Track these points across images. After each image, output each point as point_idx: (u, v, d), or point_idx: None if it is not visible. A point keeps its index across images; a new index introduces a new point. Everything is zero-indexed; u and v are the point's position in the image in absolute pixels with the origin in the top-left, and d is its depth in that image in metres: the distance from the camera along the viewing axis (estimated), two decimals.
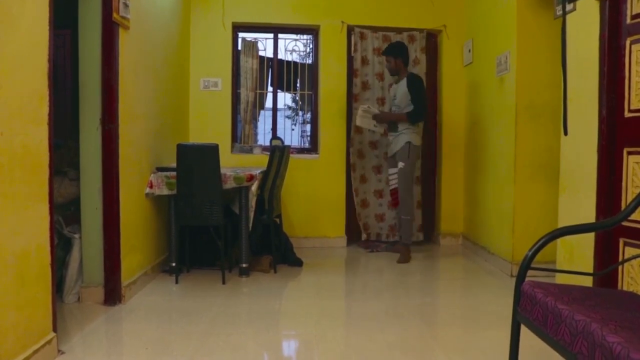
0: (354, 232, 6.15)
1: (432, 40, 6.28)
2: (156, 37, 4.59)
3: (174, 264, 4.48)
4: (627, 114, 2.92)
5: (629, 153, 2.90)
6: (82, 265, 3.73)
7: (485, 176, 5.45)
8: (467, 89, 6.07)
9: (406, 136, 5.21)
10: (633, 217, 2.62)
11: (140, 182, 4.19)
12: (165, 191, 4.38)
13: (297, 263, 5.07)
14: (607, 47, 3.03)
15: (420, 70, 6.07)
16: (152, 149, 4.48)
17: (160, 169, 4.47)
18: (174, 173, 4.32)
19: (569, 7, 3.43)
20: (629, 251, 2.83)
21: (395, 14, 6.08)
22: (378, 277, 4.54)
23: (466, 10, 6.02)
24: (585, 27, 3.24)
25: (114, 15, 3.56)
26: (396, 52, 5.32)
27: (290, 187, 5.87)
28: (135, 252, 4.04)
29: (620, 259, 2.89)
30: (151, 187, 4.34)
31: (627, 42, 2.91)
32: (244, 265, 4.60)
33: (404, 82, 5.22)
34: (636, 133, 2.86)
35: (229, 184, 4.40)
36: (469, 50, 5.89)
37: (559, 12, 3.53)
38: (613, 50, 3.00)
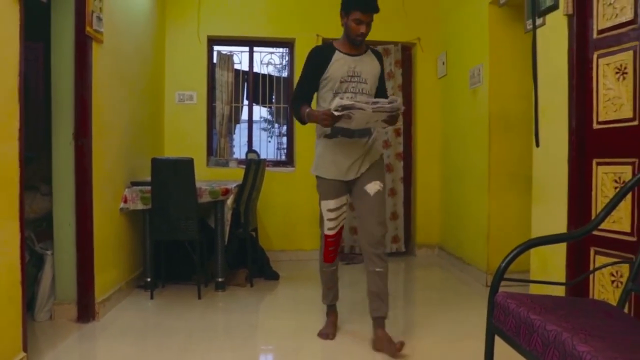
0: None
1: (406, 53, 6.34)
2: (130, 51, 4.56)
3: (149, 279, 4.43)
4: (595, 126, 2.98)
5: (598, 164, 2.95)
6: (55, 282, 3.67)
7: (460, 187, 5.50)
8: (441, 101, 6.14)
9: (379, 144, 3.70)
10: (603, 226, 2.66)
11: (114, 196, 4.15)
12: (140, 206, 4.34)
13: (274, 276, 5.05)
14: (575, 61, 3.09)
15: (395, 83, 6.12)
16: (126, 163, 4.44)
17: (134, 184, 4.43)
18: (149, 187, 4.29)
19: (539, 21, 3.49)
20: (600, 260, 2.88)
21: None
22: (354, 290, 4.53)
23: (440, 24, 6.09)
24: (554, 41, 3.30)
25: (87, 28, 3.53)
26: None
27: (266, 201, 5.85)
28: (109, 268, 3.98)
29: (591, 267, 2.94)
30: (126, 201, 4.30)
31: (595, 56, 2.98)
32: (220, 279, 4.56)
33: (372, 58, 3.30)
34: (605, 144, 2.92)
35: (205, 198, 4.38)
36: (443, 63, 5.96)
37: (530, 27, 3.60)
38: (581, 63, 3.07)
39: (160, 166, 4.19)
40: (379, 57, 3.34)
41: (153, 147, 5.37)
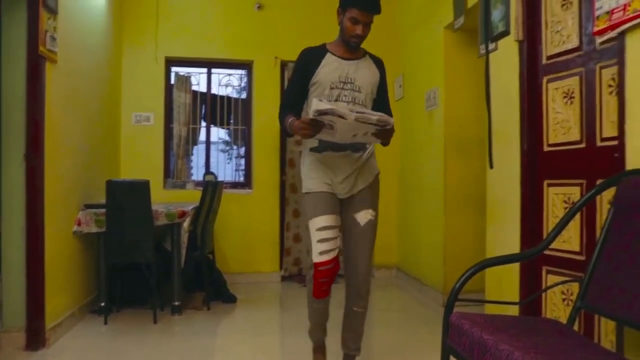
0: (291, 267, 6.12)
1: None
2: (86, 71, 4.50)
3: (103, 304, 4.32)
4: (546, 148, 3.07)
5: (549, 185, 3.03)
6: (2, 308, 3.54)
7: (417, 208, 5.56)
8: (399, 122, 6.20)
9: (374, 161, 2.97)
10: (554, 245, 2.72)
11: (67, 219, 4.05)
12: (94, 229, 4.25)
13: (231, 299, 4.99)
14: (526, 85, 3.19)
15: None
16: (80, 185, 4.35)
17: (89, 206, 4.34)
18: (104, 210, 4.21)
19: (491, 46, 3.59)
20: (551, 279, 2.94)
21: None
22: None
23: (397, 47, 6.19)
24: (506, 65, 3.40)
25: (40, 48, 3.47)
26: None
27: (224, 223, 5.80)
28: (61, 293, 3.87)
29: (544, 286, 3.00)
30: (79, 224, 4.20)
31: (544, 81, 3.08)
32: (176, 303, 4.49)
33: (370, 64, 2.90)
34: (555, 166, 3.00)
35: (161, 221, 4.32)
36: (400, 86, 6.06)
37: (483, 51, 3.70)
38: (532, 88, 3.17)
39: (115, 188, 4.13)
40: (380, 64, 2.93)
41: (109, 169, 5.28)
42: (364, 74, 2.80)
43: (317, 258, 2.64)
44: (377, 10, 2.67)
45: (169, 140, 6.07)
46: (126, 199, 4.13)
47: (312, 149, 2.82)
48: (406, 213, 5.96)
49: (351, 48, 2.78)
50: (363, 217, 2.79)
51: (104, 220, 4.21)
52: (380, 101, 2.92)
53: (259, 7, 6.05)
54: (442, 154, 4.81)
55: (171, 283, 4.52)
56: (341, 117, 2.36)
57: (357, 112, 2.39)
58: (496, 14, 3.50)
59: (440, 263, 4.84)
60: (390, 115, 2.76)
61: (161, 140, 5.94)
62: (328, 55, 2.80)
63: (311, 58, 2.80)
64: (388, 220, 6.26)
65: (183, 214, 4.37)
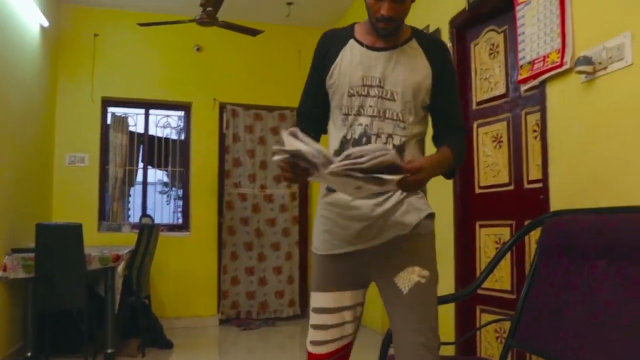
0: (228, 310, 6.01)
1: None
2: (16, 110, 4.37)
3: (29, 354, 4.11)
4: (477, 190, 3.18)
5: (481, 226, 3.14)
6: None
7: None
8: None
9: (420, 199, 1.88)
10: (486, 285, 2.80)
11: None
12: (21, 274, 4.07)
13: (167, 345, 4.85)
14: None
15: None
16: (7, 228, 4.17)
17: (16, 250, 4.16)
18: (32, 254, 4.04)
19: None
20: (485, 317, 3.02)
21: (266, 92, 6.24)
22: (250, 356, 4.45)
23: None
24: None
25: None
26: None
27: (161, 266, 5.66)
28: None
29: (478, 325, 3.07)
30: (5, 270, 4.01)
31: (475, 125, 3.21)
32: (109, 350, 4.31)
33: (417, 52, 1.87)
34: (486, 207, 3.11)
35: (94, 265, 4.19)
36: None
37: None
38: None
39: (45, 232, 3.99)
40: (436, 49, 1.88)
41: (40, 211, 5.10)
42: (401, 71, 1.82)
43: (308, 346, 1.97)
44: None
45: (104, 182, 5.93)
46: (57, 242, 3.99)
47: (326, 187, 1.92)
48: None
49: (382, 35, 1.83)
50: (406, 279, 1.80)
51: (32, 265, 4.04)
52: (441, 108, 1.89)
53: (198, 49, 6.07)
54: None
55: (104, 329, 4.36)
56: (313, 166, 1.53)
57: (343, 161, 1.47)
58: None
59: (379, 304, 4.85)
60: (461, 127, 1.91)
61: (96, 181, 5.79)
62: (351, 42, 1.88)
63: (330, 48, 1.92)
64: None
65: (117, 258, 4.26)
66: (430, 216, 1.84)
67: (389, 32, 1.79)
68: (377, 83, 1.81)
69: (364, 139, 1.80)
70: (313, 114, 2.01)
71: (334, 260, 1.88)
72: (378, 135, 1.80)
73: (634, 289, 1.73)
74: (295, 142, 1.54)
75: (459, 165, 1.88)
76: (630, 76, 2.12)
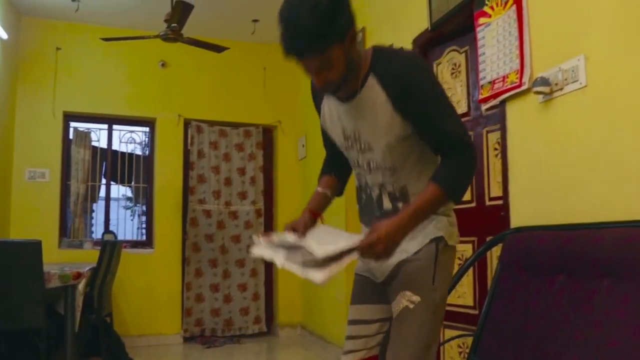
0: (192, 327, 5.93)
1: (268, 136, 6.50)
2: None
3: None
4: None
5: None
6: None
7: None
8: (302, 182, 6.31)
9: (430, 225, 1.80)
10: (450, 301, 2.82)
11: None
12: None
13: None
14: None
15: (256, 164, 6.24)
16: None
17: None
18: None
19: None
20: (449, 333, 3.05)
21: (231, 109, 6.24)
22: None
23: (299, 108, 6.34)
24: None
25: None
26: (334, 34, 1.55)
27: (123, 283, 5.57)
28: None
29: (441, 340, 3.09)
30: None
31: None
32: None
33: (376, 92, 1.68)
34: None
35: (54, 283, 4.09)
36: (303, 146, 6.18)
37: None
38: None
39: (2, 249, 3.88)
40: (392, 75, 1.65)
41: None
42: (367, 120, 1.72)
43: (342, 357, 1.99)
44: (303, 51, 1.56)
45: (66, 198, 5.83)
46: (14, 260, 3.89)
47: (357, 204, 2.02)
48: None
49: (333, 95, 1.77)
50: (397, 304, 1.79)
51: None
52: (424, 132, 1.71)
53: (163, 65, 6.03)
54: (344, 215, 4.90)
55: (64, 349, 4.25)
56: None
57: (307, 253, 1.71)
58: None
59: (344, 320, 4.85)
60: (455, 142, 1.68)
61: (57, 197, 5.68)
62: (325, 96, 1.85)
63: (316, 101, 1.94)
64: (291, 279, 6.19)
65: (78, 275, 4.17)
66: (436, 240, 1.77)
67: (337, 91, 1.70)
68: (354, 136, 1.78)
69: (364, 196, 1.92)
70: (331, 156, 2.11)
71: (358, 279, 2.05)
72: (372, 188, 1.85)
73: (589, 304, 1.77)
74: (262, 247, 1.79)
75: (462, 185, 1.71)
76: (584, 97, 2.19)
